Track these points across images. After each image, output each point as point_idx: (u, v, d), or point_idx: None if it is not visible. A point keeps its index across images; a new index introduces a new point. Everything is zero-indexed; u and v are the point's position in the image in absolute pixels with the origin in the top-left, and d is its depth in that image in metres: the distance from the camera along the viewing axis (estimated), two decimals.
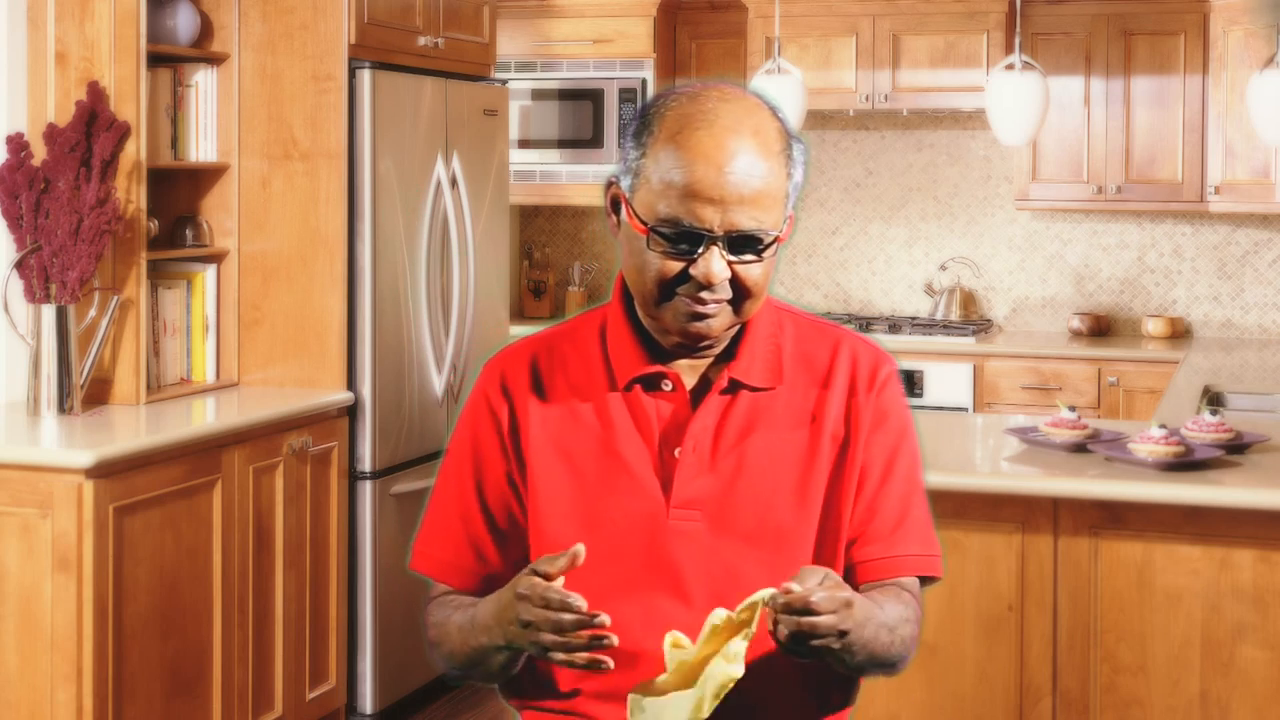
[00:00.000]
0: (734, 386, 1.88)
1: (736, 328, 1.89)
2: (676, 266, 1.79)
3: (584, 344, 1.93)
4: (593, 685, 1.87)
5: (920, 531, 1.98)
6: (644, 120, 1.83)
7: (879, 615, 1.80)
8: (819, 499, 1.90)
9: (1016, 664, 3.41)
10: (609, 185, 1.88)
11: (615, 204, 1.87)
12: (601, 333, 1.92)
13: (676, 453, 1.86)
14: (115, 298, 4.23)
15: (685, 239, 1.78)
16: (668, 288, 1.80)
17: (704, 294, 1.79)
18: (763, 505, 1.87)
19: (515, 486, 1.92)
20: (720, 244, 1.78)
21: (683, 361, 1.90)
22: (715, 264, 1.78)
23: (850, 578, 1.93)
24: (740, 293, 1.81)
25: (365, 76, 4.60)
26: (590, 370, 1.91)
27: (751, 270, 1.80)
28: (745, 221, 1.77)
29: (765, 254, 1.80)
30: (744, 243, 1.78)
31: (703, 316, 1.80)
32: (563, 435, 1.89)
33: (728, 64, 6.71)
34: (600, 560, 1.83)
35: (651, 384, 1.88)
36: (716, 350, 1.90)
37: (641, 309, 1.87)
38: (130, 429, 3.98)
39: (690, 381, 1.90)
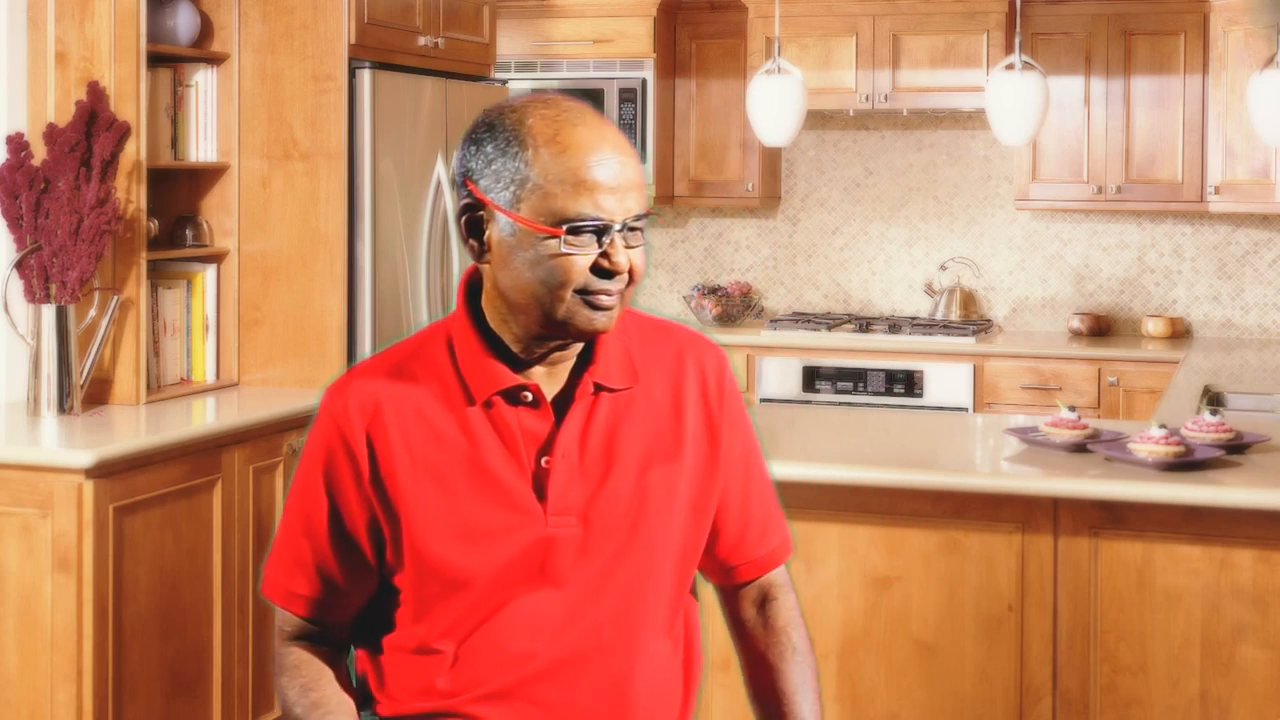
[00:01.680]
0: (596, 389, 1.90)
1: None
2: (585, 263, 1.81)
3: (433, 362, 1.91)
4: (478, 686, 1.89)
5: (779, 517, 2.10)
6: (502, 135, 1.85)
7: None
8: (688, 494, 1.95)
9: (1016, 664, 3.41)
10: (466, 210, 1.89)
11: (478, 225, 1.88)
12: (450, 348, 1.91)
13: (544, 462, 1.87)
14: (115, 298, 4.23)
15: (596, 232, 1.80)
16: (572, 286, 1.81)
17: (611, 285, 1.82)
18: (636, 504, 1.89)
19: (373, 515, 1.90)
20: (623, 231, 1.82)
21: (539, 369, 1.90)
22: (622, 253, 1.82)
23: (726, 578, 2.08)
24: (630, 279, 1.85)
25: (365, 76, 4.60)
26: (445, 387, 1.89)
27: (639, 255, 1.85)
28: (637, 207, 1.83)
29: (643, 239, 1.86)
30: (634, 229, 1.83)
31: (607, 308, 1.83)
32: (426, 457, 1.88)
33: (728, 64, 6.71)
34: (484, 573, 1.86)
35: (512, 397, 1.88)
36: (573, 354, 1.91)
37: (535, 318, 1.85)
38: (130, 429, 3.98)
39: (550, 390, 1.91)
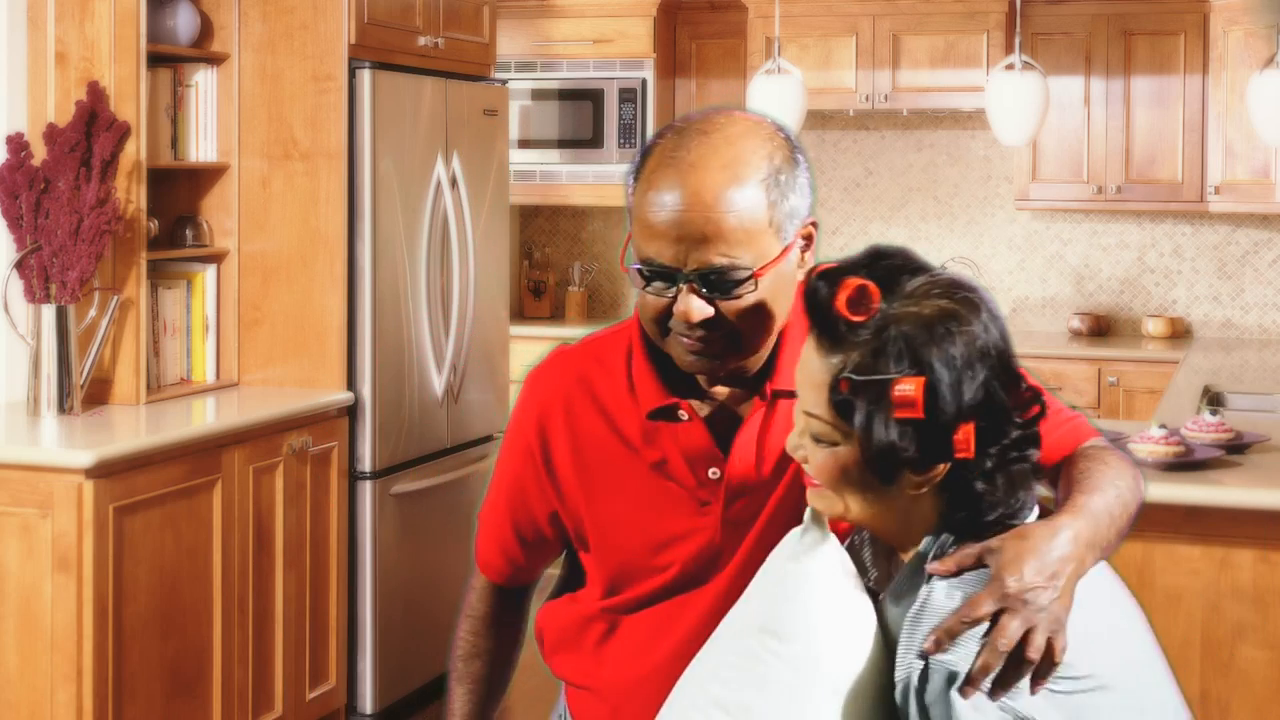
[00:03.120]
0: (774, 397, 1.86)
1: (758, 355, 1.84)
2: (661, 304, 1.77)
3: (612, 369, 1.92)
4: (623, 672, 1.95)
5: None
6: (640, 157, 1.83)
7: (1084, 524, 1.67)
8: None
9: None
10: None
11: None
12: (628, 356, 1.91)
13: (712, 473, 1.86)
14: (115, 298, 4.23)
15: (659, 277, 1.76)
16: (661, 324, 1.79)
17: (691, 331, 1.77)
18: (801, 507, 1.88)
19: (551, 503, 1.97)
20: (694, 281, 1.75)
21: (705, 380, 1.89)
22: (690, 302, 1.75)
23: None
24: (729, 328, 1.77)
25: (365, 76, 4.60)
26: (619, 397, 1.90)
27: (735, 306, 1.76)
28: (715, 258, 1.73)
29: (745, 290, 1.75)
30: (719, 279, 1.74)
31: (696, 352, 1.79)
32: (599, 456, 1.91)
33: (728, 64, 6.71)
34: (658, 576, 1.89)
35: (670, 414, 1.87)
36: (752, 370, 1.87)
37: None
38: (130, 429, 3.98)
39: (719, 398, 1.89)
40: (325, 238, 4.62)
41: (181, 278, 4.58)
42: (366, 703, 4.66)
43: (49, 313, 4.10)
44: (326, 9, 4.59)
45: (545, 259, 7.19)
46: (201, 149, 4.63)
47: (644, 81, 6.59)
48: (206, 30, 4.66)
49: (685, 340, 1.78)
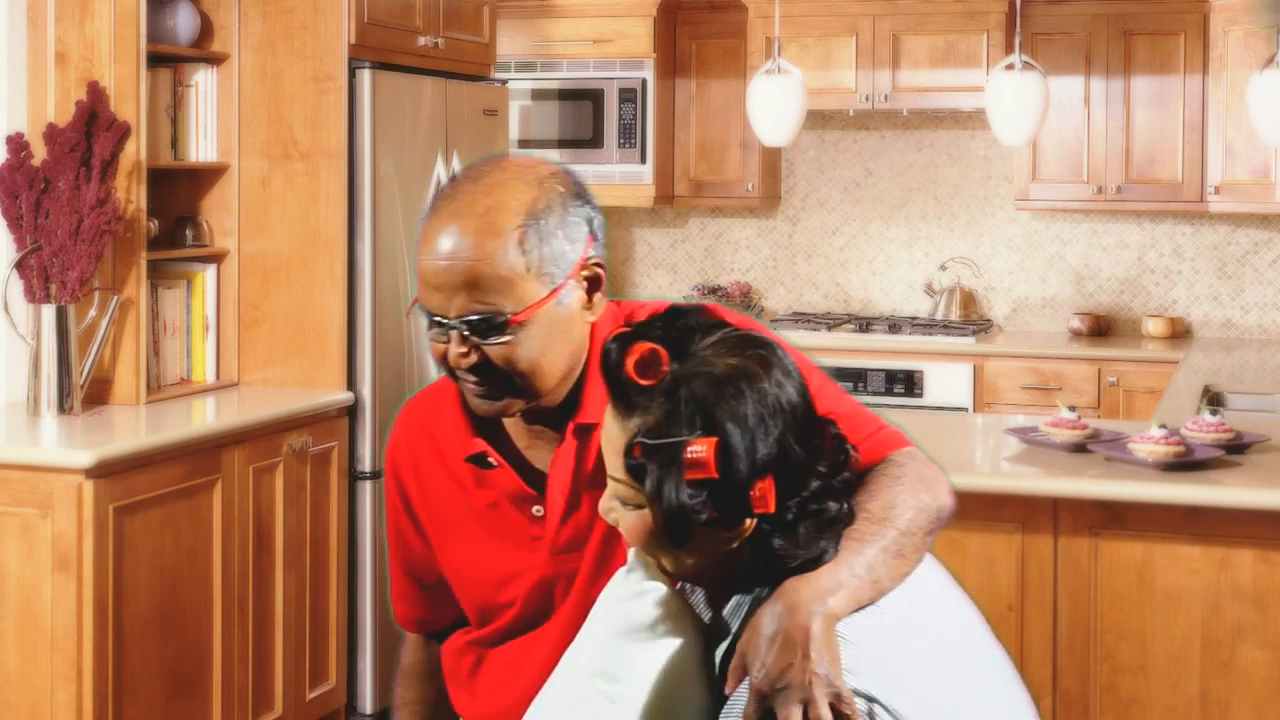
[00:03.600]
0: (579, 432, 1.87)
1: (552, 394, 1.84)
2: (441, 349, 1.80)
3: (447, 415, 1.94)
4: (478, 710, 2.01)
5: None
6: (427, 204, 1.87)
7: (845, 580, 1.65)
8: None
9: (1016, 664, 3.40)
10: None
11: None
12: (459, 398, 1.93)
13: (536, 510, 1.89)
14: (115, 298, 4.23)
15: (434, 324, 1.79)
16: (447, 369, 1.82)
17: (467, 375, 1.80)
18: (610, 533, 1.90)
19: (421, 541, 2.02)
20: (459, 328, 1.76)
21: (509, 422, 1.91)
22: (455, 349, 1.77)
23: None
24: (500, 373, 1.78)
25: (365, 76, 4.60)
26: (453, 442, 1.94)
27: (500, 351, 1.77)
28: (473, 306, 1.75)
29: (506, 336, 1.76)
30: (480, 326, 1.76)
31: (479, 395, 1.81)
32: (440, 497, 1.96)
33: (728, 64, 6.71)
34: (506, 612, 1.95)
35: (481, 460, 1.90)
36: (554, 406, 1.88)
37: None
38: (130, 429, 3.98)
39: (529, 440, 1.91)
40: (325, 238, 4.62)
41: (181, 278, 4.58)
42: (366, 703, 4.66)
43: (49, 313, 4.10)
44: (326, 9, 4.59)
45: None
46: (201, 149, 4.63)
47: (644, 81, 6.59)
48: (206, 30, 4.66)
49: (466, 384, 1.81)
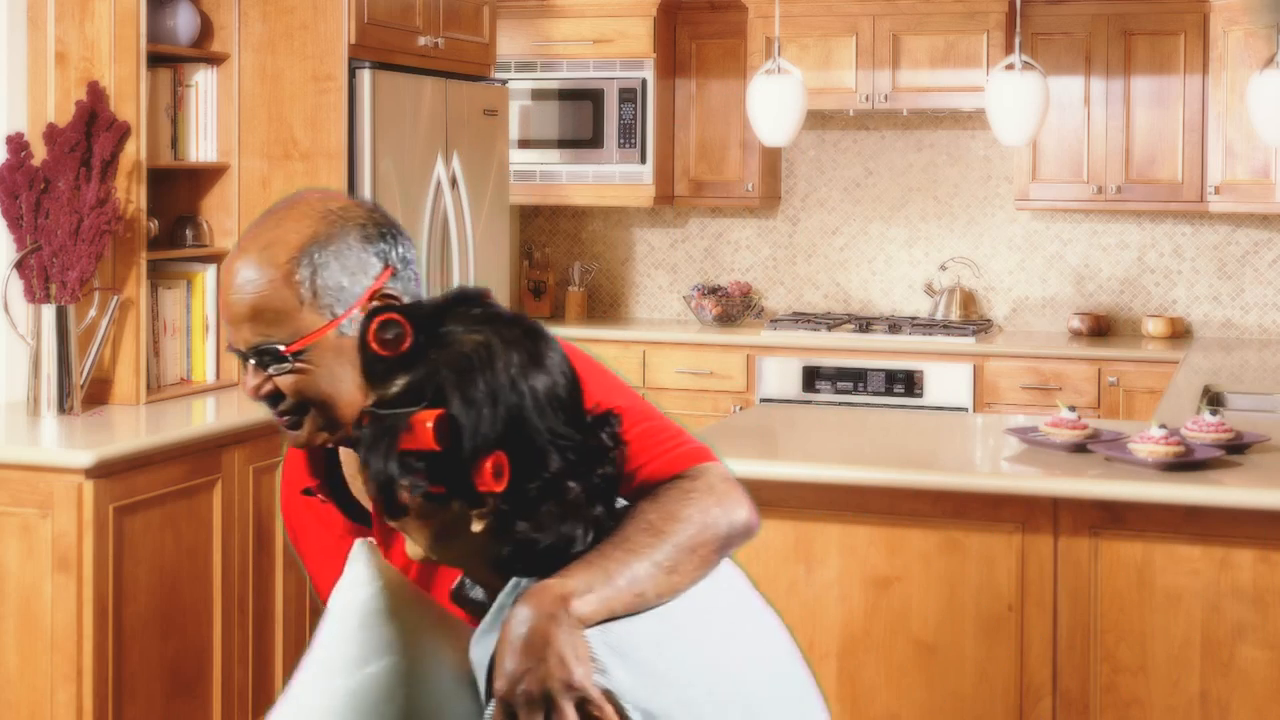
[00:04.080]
0: None
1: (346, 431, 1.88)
2: (247, 381, 1.86)
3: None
4: None
5: None
6: None
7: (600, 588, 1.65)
8: None
9: (1016, 664, 3.41)
10: None
11: None
12: None
13: (371, 541, 1.94)
14: (115, 298, 4.23)
15: (236, 355, 1.85)
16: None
17: (268, 406, 1.84)
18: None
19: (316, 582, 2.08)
20: (248, 359, 1.82)
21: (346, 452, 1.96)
22: (248, 378, 1.83)
23: None
24: (293, 403, 1.83)
25: (365, 76, 4.60)
26: (300, 475, 1.99)
27: (285, 382, 1.81)
28: (253, 338, 1.81)
29: (286, 366, 1.80)
30: (264, 357, 1.81)
31: (283, 426, 1.85)
32: (319, 537, 2.00)
33: (728, 64, 6.71)
34: None
35: (312, 495, 1.96)
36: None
37: None
38: (130, 429, 3.98)
39: (356, 466, 1.94)
40: None
41: (181, 278, 4.58)
42: None
43: (49, 313, 4.10)
44: (326, 9, 4.59)
45: (545, 259, 7.19)
46: (201, 149, 4.63)
47: (644, 81, 6.59)
48: (206, 30, 4.66)
49: (272, 415, 1.86)
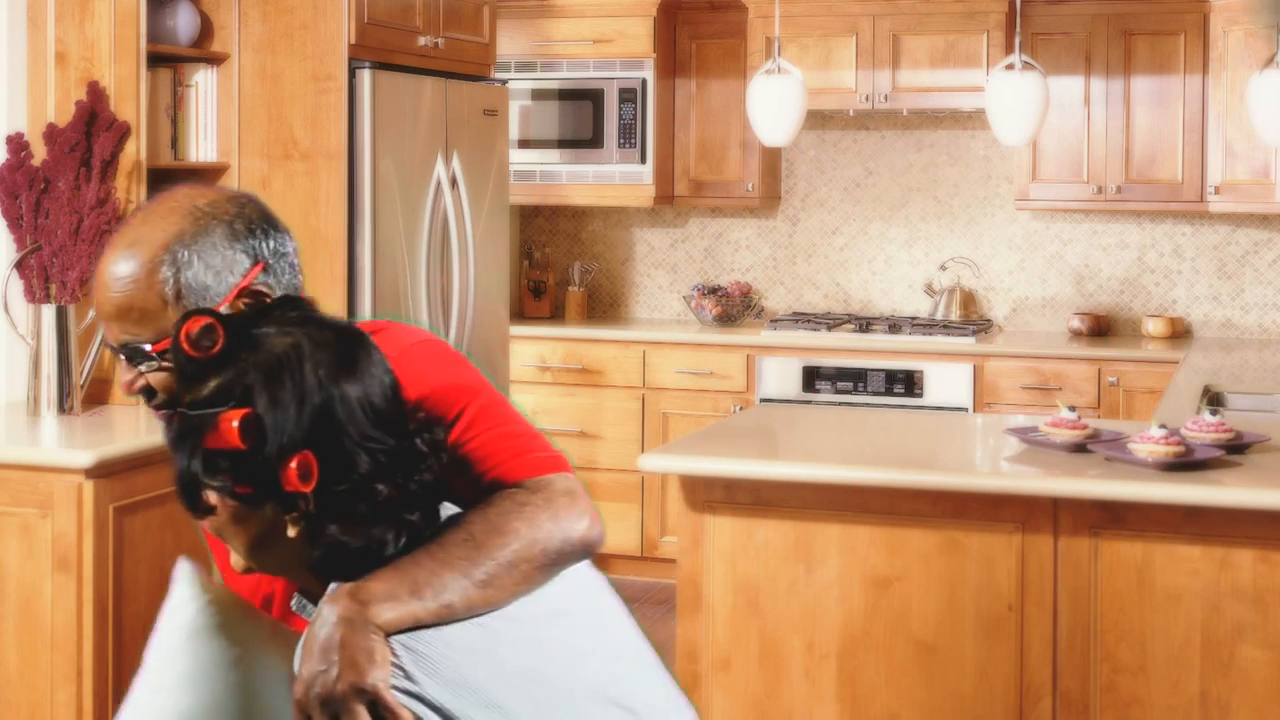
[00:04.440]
0: None
1: None
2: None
3: None
4: None
5: None
6: None
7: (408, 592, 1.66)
8: None
9: (1016, 664, 3.41)
10: None
11: None
12: None
13: None
14: None
15: (110, 351, 1.87)
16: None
17: (144, 401, 1.86)
18: None
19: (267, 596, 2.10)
20: (124, 356, 1.83)
21: None
22: (121, 374, 1.84)
23: None
24: (168, 399, 1.81)
25: (365, 76, 4.60)
26: None
27: (160, 380, 1.83)
28: (121, 335, 1.83)
29: (153, 365, 1.81)
30: (135, 354, 1.82)
31: (162, 420, 1.83)
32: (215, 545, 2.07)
33: (728, 64, 6.71)
34: None
35: None
36: None
37: None
38: (130, 429, 3.98)
39: None
40: (325, 238, 4.62)
41: None
42: None
43: (49, 313, 4.10)
44: (326, 9, 4.59)
45: (545, 259, 7.20)
46: (201, 149, 4.63)
47: (644, 81, 6.59)
48: (206, 30, 4.66)
49: (150, 409, 1.87)
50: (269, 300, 1.84)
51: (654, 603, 6.20)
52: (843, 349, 6.29)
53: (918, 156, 6.81)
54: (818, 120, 6.84)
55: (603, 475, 6.48)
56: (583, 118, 6.67)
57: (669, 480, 6.06)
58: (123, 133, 4.19)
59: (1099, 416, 5.93)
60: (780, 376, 6.32)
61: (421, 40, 4.94)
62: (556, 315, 7.10)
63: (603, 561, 6.55)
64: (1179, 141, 6.21)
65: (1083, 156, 6.32)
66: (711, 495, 3.57)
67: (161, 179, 4.51)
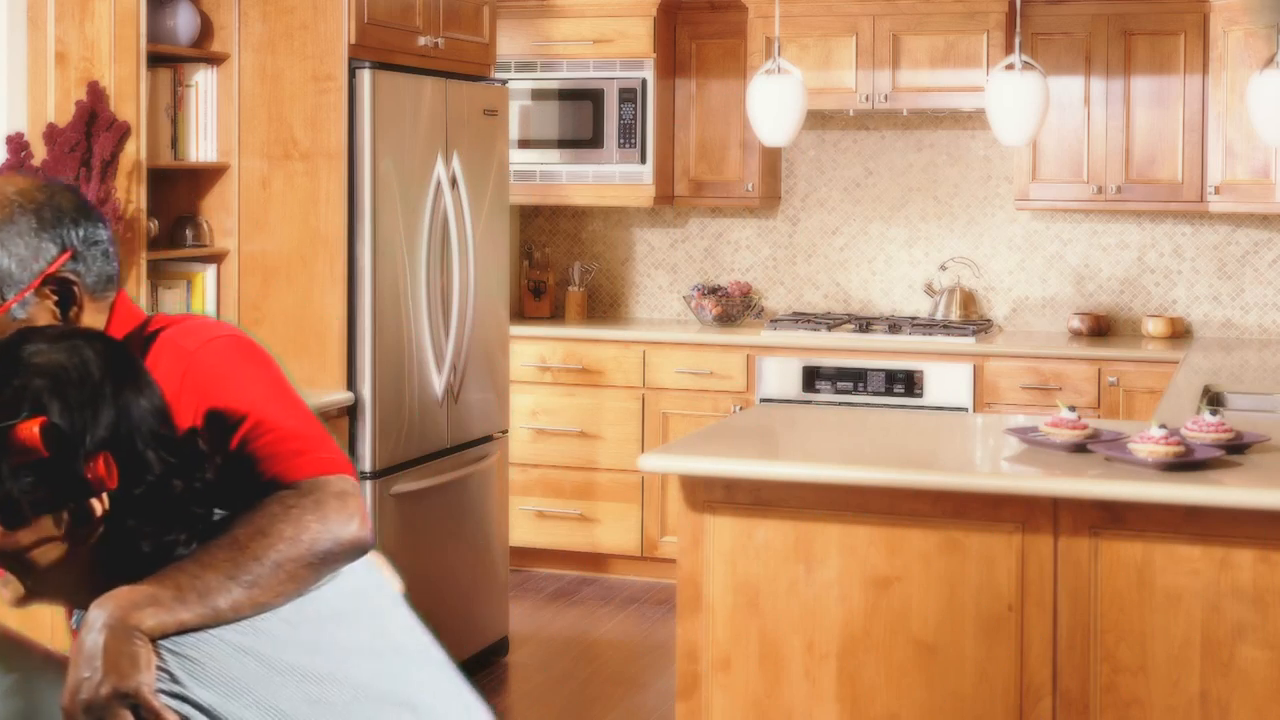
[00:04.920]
0: None
1: None
2: None
3: None
4: None
5: None
6: None
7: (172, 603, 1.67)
8: None
9: (1016, 664, 3.41)
10: None
11: None
12: None
13: None
14: None
15: None
16: None
17: None
18: None
19: None
20: None
21: None
22: None
23: None
24: None
25: (365, 76, 4.60)
26: None
27: None
28: None
29: None
30: None
31: None
32: None
33: (728, 64, 6.71)
34: None
35: None
36: None
37: None
38: None
39: None
40: (325, 238, 4.62)
41: (181, 278, 4.58)
42: None
43: None
44: (326, 9, 4.59)
45: (545, 259, 7.20)
46: (201, 149, 4.63)
47: (644, 81, 6.59)
48: (206, 30, 4.66)
49: None
50: (76, 288, 1.89)
51: (654, 603, 6.20)
52: (843, 349, 6.29)
53: (918, 156, 6.81)
54: (818, 120, 6.84)
55: (603, 475, 6.48)
56: (583, 118, 6.67)
57: (669, 480, 6.06)
58: (123, 133, 4.19)
59: (1099, 416, 5.93)
60: (780, 376, 6.32)
61: (421, 40, 4.94)
62: (556, 315, 7.10)
63: (603, 561, 6.56)
64: (1179, 141, 6.21)
65: (1083, 156, 6.32)
66: (711, 495, 3.57)
67: (161, 179, 4.51)
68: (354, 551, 1.77)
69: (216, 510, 1.74)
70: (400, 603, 1.84)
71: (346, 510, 1.77)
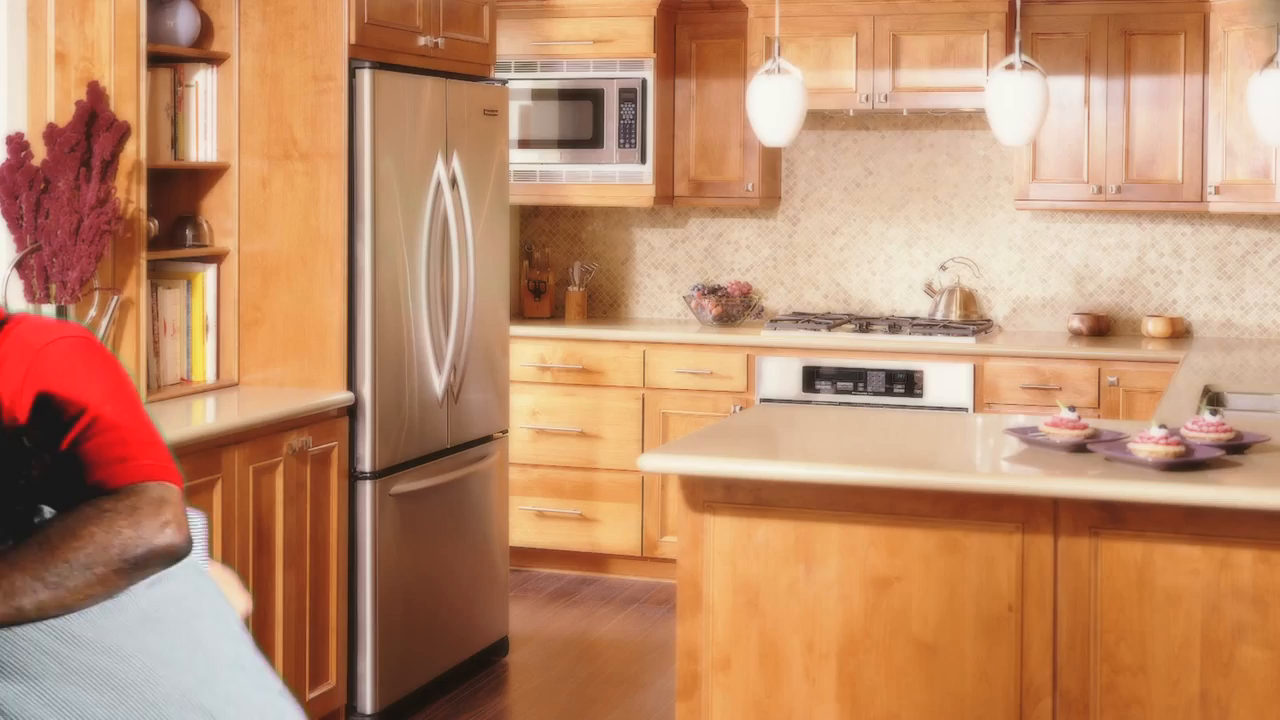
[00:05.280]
0: None
1: None
2: None
3: None
4: None
5: None
6: None
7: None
8: None
9: (1016, 664, 3.41)
10: None
11: None
12: None
13: None
14: (115, 298, 4.23)
15: None
16: None
17: None
18: None
19: None
20: None
21: None
22: None
23: None
24: None
25: (365, 76, 4.60)
26: None
27: None
28: None
29: None
30: None
31: None
32: None
33: (728, 64, 6.71)
34: None
35: None
36: None
37: None
38: None
39: None
40: (325, 238, 4.62)
41: (181, 278, 4.58)
42: (366, 703, 4.66)
43: (49, 313, 4.10)
44: (326, 9, 4.59)
45: (545, 259, 7.20)
46: (201, 149, 4.63)
47: (644, 81, 6.59)
48: (206, 30, 4.66)
49: None
50: None
51: (654, 603, 6.20)
52: (843, 349, 6.29)
53: (918, 156, 6.81)
54: (818, 120, 6.84)
55: (603, 475, 6.48)
56: (583, 118, 6.67)
57: (669, 480, 6.06)
58: (123, 133, 4.18)
59: (1099, 416, 5.93)
60: (780, 376, 6.32)
61: (421, 40, 4.94)
62: (556, 315, 7.10)
63: (603, 561, 6.56)
64: (1179, 141, 6.21)
65: (1083, 156, 6.32)
66: (711, 495, 3.57)
67: (161, 179, 4.51)
68: (167, 558, 1.79)
69: (47, 510, 1.75)
70: (226, 614, 1.87)
71: (161, 517, 1.79)
